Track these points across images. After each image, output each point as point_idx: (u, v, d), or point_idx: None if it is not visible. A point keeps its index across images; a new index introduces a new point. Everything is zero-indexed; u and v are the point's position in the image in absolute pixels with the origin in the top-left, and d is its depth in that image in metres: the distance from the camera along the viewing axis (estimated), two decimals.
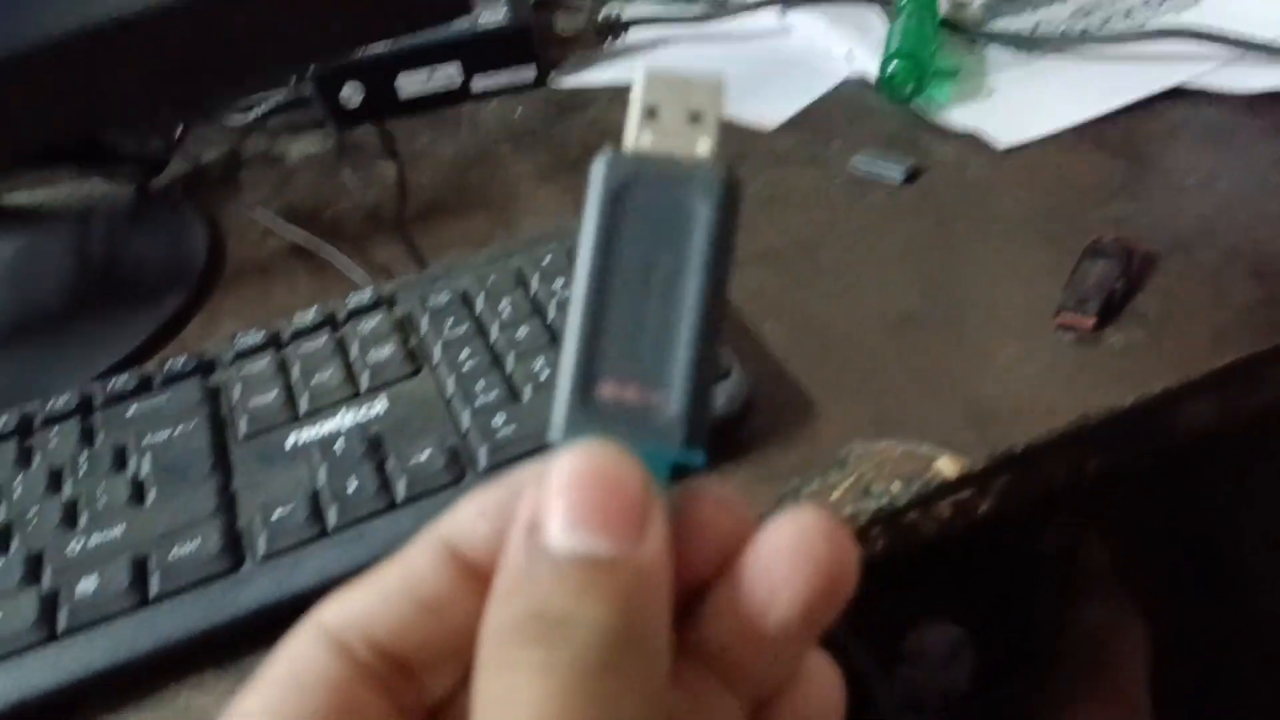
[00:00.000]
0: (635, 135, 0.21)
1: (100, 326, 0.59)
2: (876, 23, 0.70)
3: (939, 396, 0.45)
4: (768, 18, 0.76)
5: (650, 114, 0.21)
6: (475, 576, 0.20)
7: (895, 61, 0.63)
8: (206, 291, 0.61)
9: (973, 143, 0.60)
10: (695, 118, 0.21)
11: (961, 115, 0.63)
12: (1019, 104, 0.63)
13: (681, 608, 0.20)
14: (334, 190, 0.69)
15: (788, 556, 0.19)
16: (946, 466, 0.42)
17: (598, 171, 0.21)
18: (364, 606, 0.19)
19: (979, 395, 0.45)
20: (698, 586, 0.20)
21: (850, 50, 0.69)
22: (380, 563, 0.20)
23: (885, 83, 0.63)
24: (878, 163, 0.59)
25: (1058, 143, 0.60)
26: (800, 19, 0.75)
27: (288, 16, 0.57)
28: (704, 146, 0.21)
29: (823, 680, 0.21)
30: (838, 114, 0.66)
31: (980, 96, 0.65)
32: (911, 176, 0.58)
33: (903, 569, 0.42)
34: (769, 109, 0.67)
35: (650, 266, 0.21)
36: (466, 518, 0.20)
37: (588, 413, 0.20)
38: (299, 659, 0.19)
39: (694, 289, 0.20)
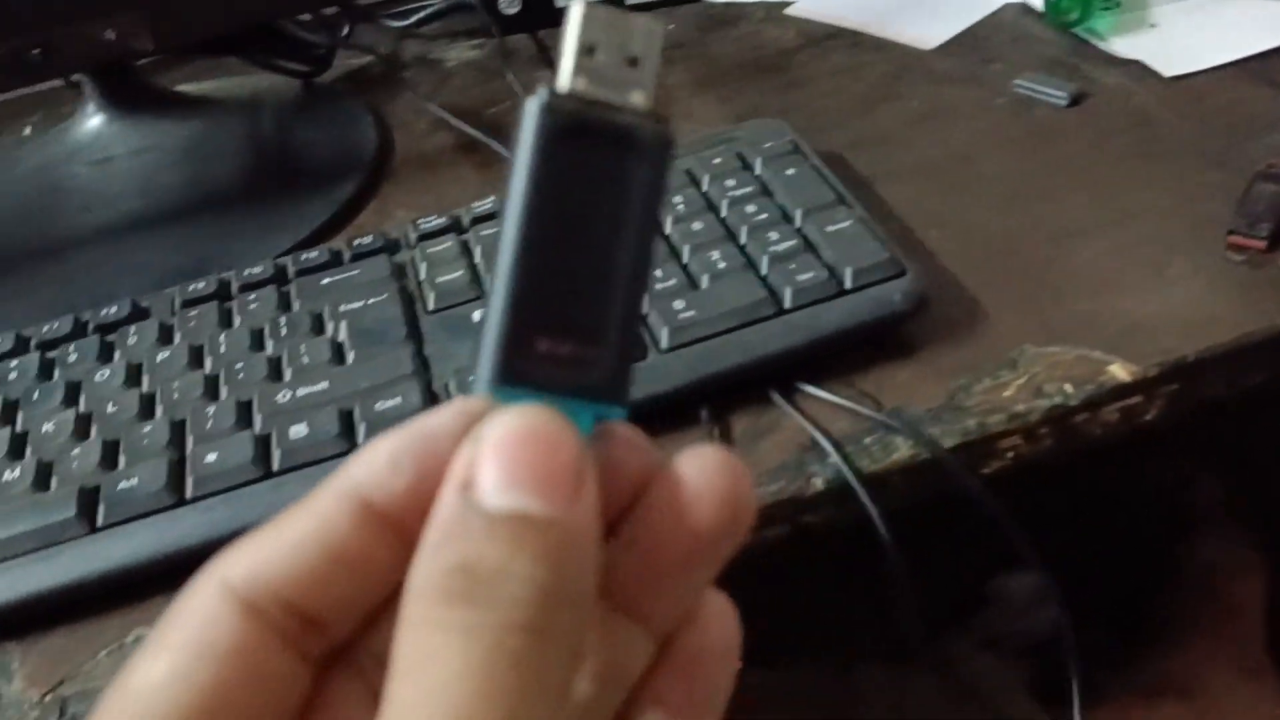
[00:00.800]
0: (570, 74, 0.20)
1: (279, 208, 0.62)
2: None
3: (1106, 307, 0.46)
4: None
5: (587, 51, 0.20)
6: (389, 528, 0.19)
7: None
8: (377, 181, 0.64)
9: (1136, 71, 0.61)
10: (633, 62, 0.20)
11: (1124, 45, 0.63)
12: (1182, 37, 0.64)
13: None
14: (493, 92, 0.71)
15: (689, 489, 0.20)
16: (1119, 371, 0.43)
17: (531, 113, 0.20)
18: (272, 562, 0.19)
19: (1146, 307, 0.46)
20: (609, 525, 0.20)
21: None
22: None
23: (1051, 7, 0.64)
24: (1041, 85, 0.60)
25: (1220, 75, 0.60)
26: None
27: None
28: (640, 96, 0.20)
29: (721, 614, 0.21)
30: (997, 38, 0.66)
31: (1142, 29, 0.65)
32: (1075, 100, 0.59)
33: (989, 515, 0.43)
34: (927, 29, 0.67)
35: (583, 218, 0.20)
36: (379, 467, 0.19)
37: (518, 365, 0.20)
38: (208, 622, 0.18)
39: (628, 245, 0.20)
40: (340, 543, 0.19)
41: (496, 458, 0.18)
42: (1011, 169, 0.55)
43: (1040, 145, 0.56)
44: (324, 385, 0.44)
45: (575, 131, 0.20)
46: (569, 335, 0.20)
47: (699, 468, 0.20)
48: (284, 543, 0.19)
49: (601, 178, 0.20)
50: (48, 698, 0.38)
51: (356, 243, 0.52)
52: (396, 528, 0.19)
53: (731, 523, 0.20)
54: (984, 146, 0.56)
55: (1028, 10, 0.68)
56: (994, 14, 0.68)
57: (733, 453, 0.20)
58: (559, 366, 0.20)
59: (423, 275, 0.50)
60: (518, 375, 0.19)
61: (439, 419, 0.19)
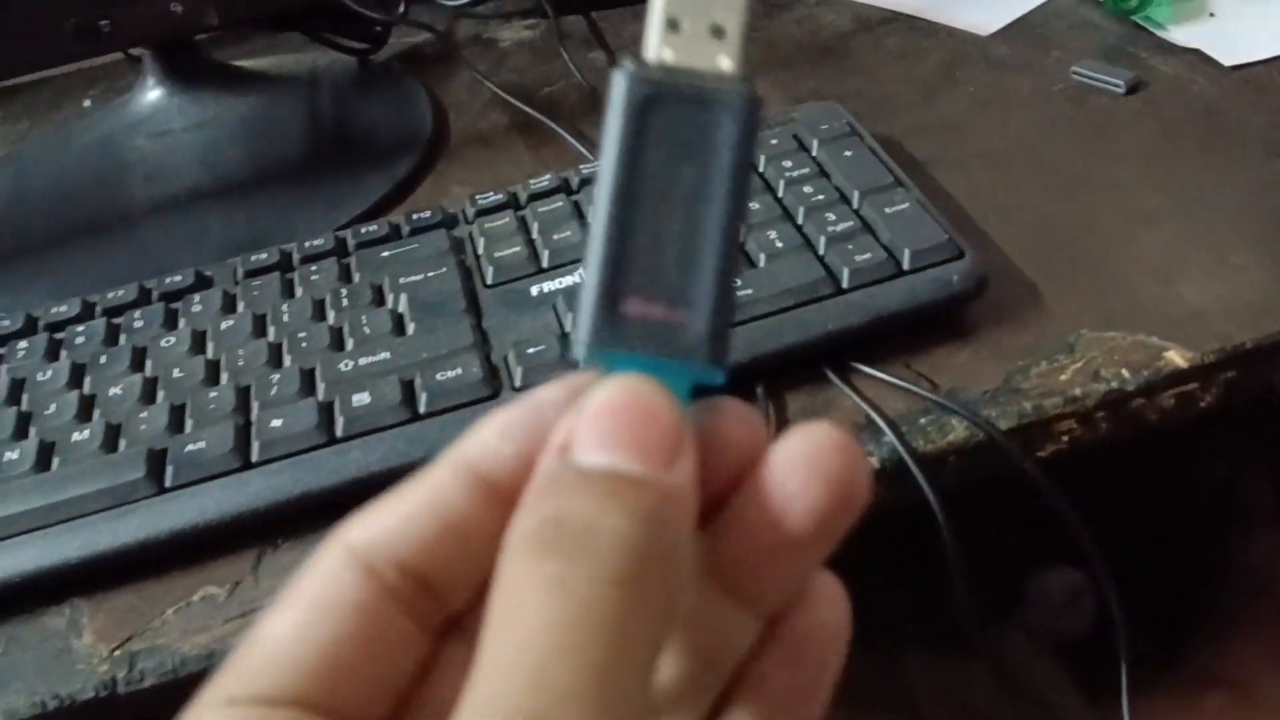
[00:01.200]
0: (657, 46, 0.20)
1: (336, 183, 0.62)
2: None
3: (1165, 293, 0.46)
4: None
5: (672, 25, 0.20)
6: (499, 498, 0.19)
7: None
8: (433, 157, 0.64)
9: (1195, 60, 0.60)
10: (717, 31, 0.20)
11: (1182, 34, 0.63)
12: (1241, 27, 0.63)
13: (698, 524, 0.20)
14: (547, 73, 0.71)
15: (801, 469, 0.19)
16: (1177, 357, 0.43)
17: (620, 83, 0.20)
18: (390, 529, 0.19)
19: (1205, 295, 0.45)
20: (714, 501, 0.20)
21: None
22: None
23: None
24: (1100, 72, 0.60)
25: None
26: None
27: None
28: (727, 63, 0.20)
29: (830, 596, 0.21)
30: (1054, 25, 0.66)
31: (1201, 17, 0.65)
32: (1134, 89, 0.59)
33: (1029, 512, 0.43)
34: (983, 15, 0.67)
35: (673, 183, 0.20)
36: (490, 438, 0.20)
37: (613, 328, 0.20)
38: (329, 581, 0.19)
39: (718, 208, 0.20)
40: (453, 512, 0.19)
41: (594, 422, 0.19)
42: (1070, 155, 0.54)
43: (1099, 133, 0.56)
44: (385, 355, 0.45)
45: (662, 98, 0.20)
46: (663, 298, 0.20)
47: (811, 445, 0.20)
48: (402, 511, 0.19)
49: (690, 141, 0.20)
50: (117, 652, 0.39)
51: (415, 217, 0.53)
52: (506, 499, 0.19)
53: (844, 504, 0.19)
54: (1042, 133, 0.56)
55: None
56: (1050, 1, 0.68)
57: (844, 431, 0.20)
58: (654, 329, 0.20)
59: (480, 250, 0.50)
60: (612, 337, 0.20)
61: (546, 392, 0.20)
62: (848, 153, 0.51)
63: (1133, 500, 0.85)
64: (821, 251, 0.46)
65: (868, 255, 0.45)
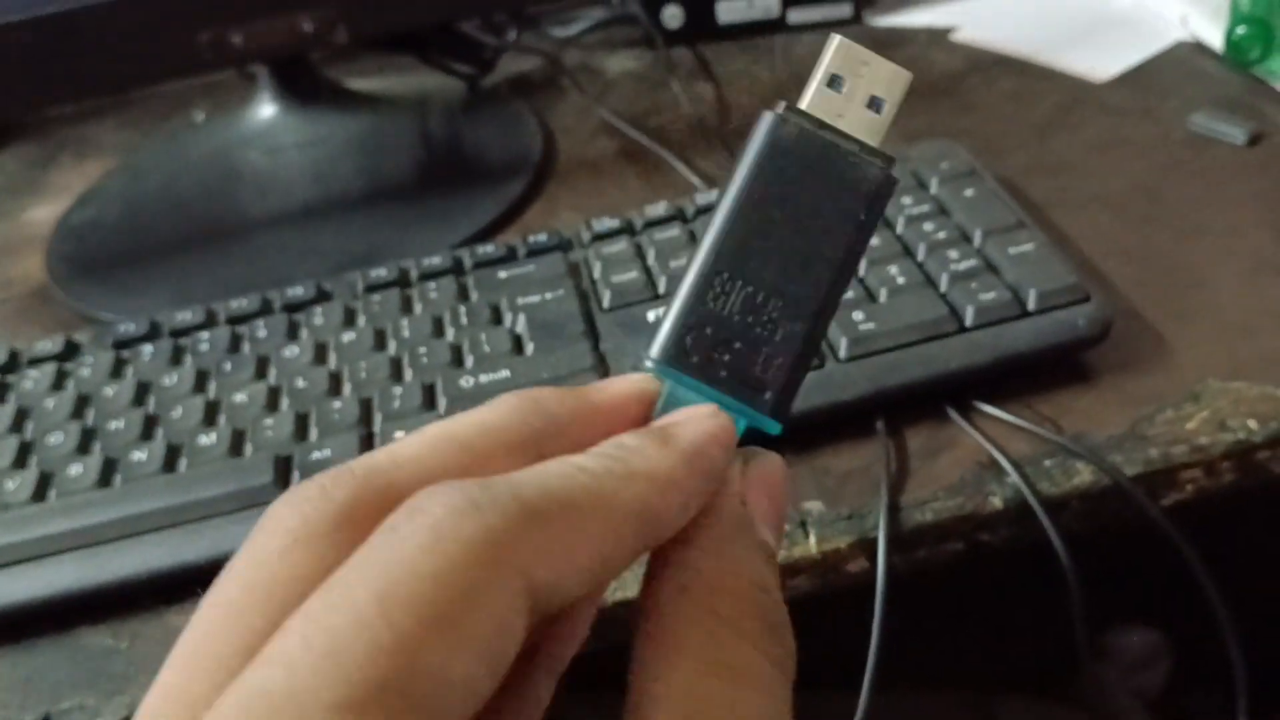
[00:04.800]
0: (811, 99, 0.21)
1: (448, 203, 0.63)
2: None
3: None
4: None
5: (832, 83, 0.21)
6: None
7: (1244, 25, 0.62)
8: (542, 182, 0.65)
9: None
10: (873, 103, 0.21)
11: None
12: None
13: None
14: (655, 103, 0.72)
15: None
16: None
17: (766, 121, 0.21)
18: (567, 583, 0.19)
19: None
20: None
21: (1185, 14, 0.69)
22: None
23: (1232, 45, 0.63)
24: (1218, 123, 0.59)
25: None
26: None
27: None
28: (874, 135, 0.21)
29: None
30: (1171, 74, 0.65)
31: None
32: (1254, 140, 0.58)
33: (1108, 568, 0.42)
34: (1098, 62, 0.67)
35: (790, 233, 0.20)
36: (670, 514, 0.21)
37: (691, 349, 0.20)
38: (504, 626, 0.17)
39: (824, 273, 0.20)
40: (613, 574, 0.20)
41: (764, 494, 0.20)
42: (1191, 203, 0.54)
43: (1220, 181, 0.55)
44: (505, 373, 0.45)
45: (804, 147, 0.20)
46: (746, 340, 0.20)
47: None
48: (579, 565, 0.19)
49: (817, 198, 0.20)
50: None
51: (531, 239, 0.54)
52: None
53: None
54: (1161, 179, 0.56)
55: (1201, 48, 0.67)
56: (1167, 50, 0.68)
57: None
58: (728, 366, 0.20)
59: (596, 274, 0.51)
60: (680, 361, 0.20)
61: (610, 390, 0.21)
62: (968, 192, 0.51)
63: (1255, 551, 0.83)
64: (944, 289, 0.46)
65: (992, 295, 0.45)
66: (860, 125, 0.21)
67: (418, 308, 0.51)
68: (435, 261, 0.53)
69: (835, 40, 0.21)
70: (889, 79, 0.21)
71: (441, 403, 0.45)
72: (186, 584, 0.42)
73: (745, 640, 0.18)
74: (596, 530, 0.18)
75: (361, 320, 0.50)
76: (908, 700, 0.61)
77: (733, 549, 0.20)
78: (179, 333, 0.51)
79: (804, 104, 0.21)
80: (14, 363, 0.51)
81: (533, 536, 0.17)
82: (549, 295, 0.50)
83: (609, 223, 0.54)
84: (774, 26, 0.78)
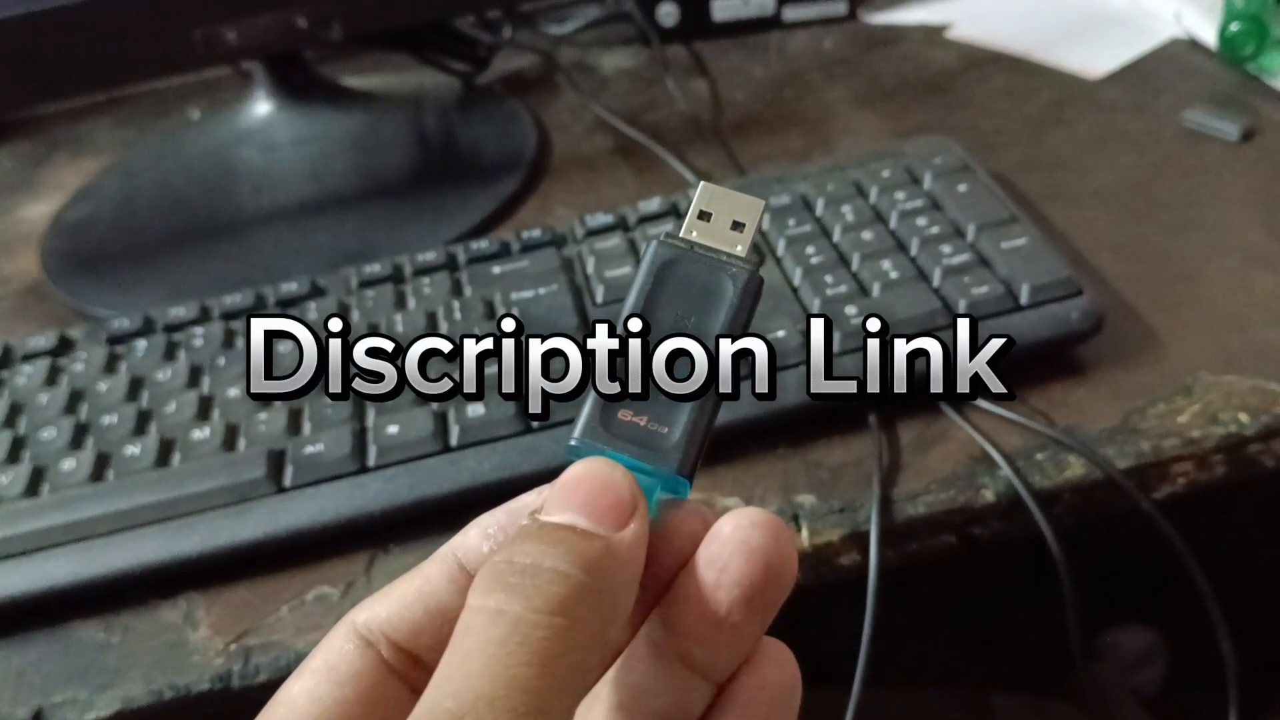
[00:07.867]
0: (687, 227, 0.25)
1: (443, 199, 0.63)
2: None
3: None
4: None
5: (702, 215, 0.25)
6: None
7: (1237, 22, 0.62)
8: (536, 178, 0.65)
9: None
10: (737, 226, 0.25)
11: None
12: None
13: (655, 601, 0.23)
14: (649, 100, 0.72)
15: (728, 544, 0.22)
16: None
17: (653, 247, 0.25)
18: (386, 611, 0.23)
19: None
20: (668, 582, 0.23)
21: (1179, 11, 0.69)
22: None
23: (1225, 41, 0.63)
24: (1211, 119, 0.59)
25: None
26: None
27: None
28: (740, 248, 0.25)
29: (777, 659, 0.23)
30: (1164, 70, 0.66)
31: None
32: (1247, 136, 0.58)
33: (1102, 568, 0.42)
34: (1091, 58, 0.67)
35: (677, 324, 0.24)
36: (473, 537, 0.23)
37: (604, 426, 0.23)
38: (334, 653, 0.22)
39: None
40: (437, 598, 0.23)
41: (560, 489, 0.22)
42: (1184, 198, 0.54)
43: (1213, 177, 0.55)
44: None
45: (683, 261, 0.24)
46: (649, 413, 0.23)
47: (738, 524, 0.22)
48: (395, 596, 0.23)
49: (697, 296, 0.24)
50: (232, 646, 0.39)
51: (525, 235, 0.54)
52: None
53: (770, 576, 0.22)
54: (1155, 175, 0.56)
55: (1195, 45, 0.67)
56: (1161, 47, 0.68)
57: (774, 514, 0.23)
58: (639, 436, 0.23)
59: (590, 269, 0.51)
60: (598, 436, 0.23)
61: (525, 499, 0.23)
62: (961, 187, 0.51)
63: (1246, 544, 0.83)
64: (936, 284, 0.46)
65: (985, 289, 0.45)
66: (726, 241, 0.25)
67: (411, 303, 0.51)
68: (429, 257, 0.53)
69: (701, 185, 0.25)
70: (746, 206, 0.25)
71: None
72: (179, 578, 0.42)
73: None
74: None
75: (355, 316, 0.50)
76: (903, 697, 0.61)
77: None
78: (173, 328, 0.51)
79: (681, 232, 0.25)
80: (8, 358, 0.51)
81: None
82: (542, 290, 0.50)
83: (603, 218, 0.54)
84: (769, 24, 0.78)
